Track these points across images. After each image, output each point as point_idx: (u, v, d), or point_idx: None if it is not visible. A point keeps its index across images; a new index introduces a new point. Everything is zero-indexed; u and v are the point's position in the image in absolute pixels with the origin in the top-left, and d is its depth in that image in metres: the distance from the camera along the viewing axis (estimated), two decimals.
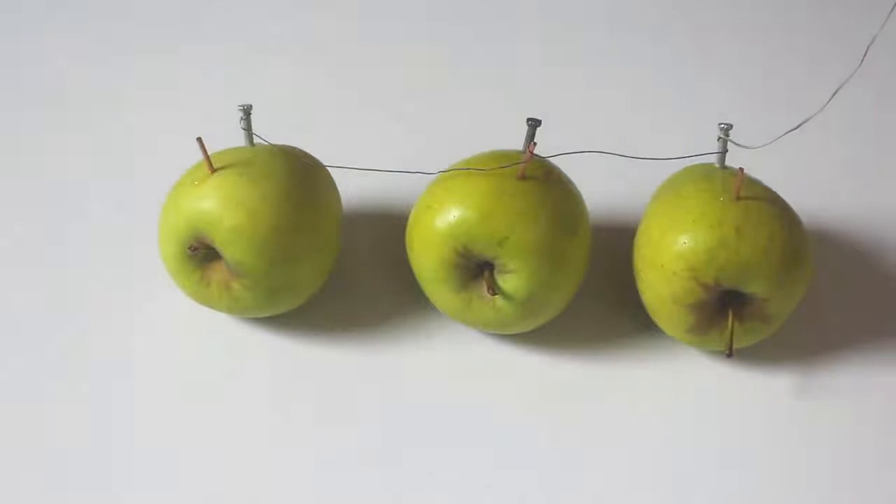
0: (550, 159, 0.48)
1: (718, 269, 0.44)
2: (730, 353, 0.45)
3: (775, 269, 0.44)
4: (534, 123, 0.46)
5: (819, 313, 0.50)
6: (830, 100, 0.40)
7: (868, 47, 0.39)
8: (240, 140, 0.48)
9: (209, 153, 0.46)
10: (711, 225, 0.44)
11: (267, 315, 0.49)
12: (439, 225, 0.45)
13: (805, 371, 0.49)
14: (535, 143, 0.46)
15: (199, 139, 0.46)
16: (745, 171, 0.45)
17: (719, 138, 0.46)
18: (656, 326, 0.48)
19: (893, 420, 0.47)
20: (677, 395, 0.48)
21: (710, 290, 0.44)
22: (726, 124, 0.46)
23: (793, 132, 0.41)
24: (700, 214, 0.44)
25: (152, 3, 0.66)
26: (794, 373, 0.49)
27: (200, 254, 0.46)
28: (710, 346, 0.47)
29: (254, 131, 0.48)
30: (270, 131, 0.48)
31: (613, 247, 0.50)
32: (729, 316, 0.45)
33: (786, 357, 0.49)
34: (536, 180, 0.46)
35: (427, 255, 0.46)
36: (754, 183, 0.46)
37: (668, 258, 0.45)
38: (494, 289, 0.45)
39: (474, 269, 0.46)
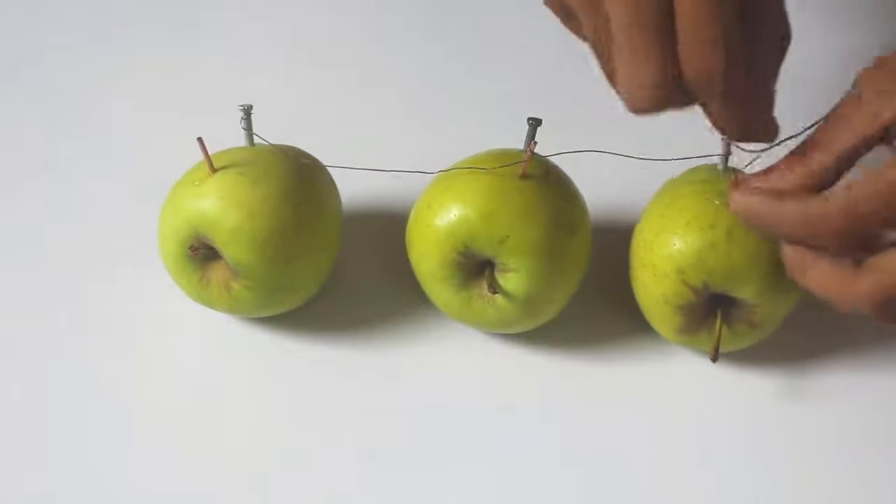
0: (550, 159, 0.48)
1: (707, 272, 0.44)
2: (714, 358, 0.45)
3: (764, 276, 0.44)
4: (534, 123, 0.46)
5: (812, 316, 0.50)
6: (831, 103, 0.40)
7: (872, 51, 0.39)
8: (240, 140, 0.48)
9: (209, 153, 0.46)
10: (703, 227, 0.44)
11: (267, 315, 0.49)
12: (440, 224, 0.45)
13: (797, 373, 0.49)
14: (535, 143, 0.46)
15: (200, 139, 0.46)
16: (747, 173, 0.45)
17: (722, 139, 0.46)
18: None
19: (884, 422, 0.47)
20: (675, 395, 0.48)
21: (699, 292, 0.44)
22: None
23: (795, 136, 0.41)
24: (693, 217, 0.44)
25: (152, 3, 0.66)
26: (787, 374, 0.49)
27: (201, 254, 0.46)
28: (699, 347, 0.47)
29: (254, 131, 0.48)
30: (270, 131, 0.48)
31: (613, 247, 0.50)
32: (717, 319, 0.45)
33: (778, 359, 0.49)
34: (537, 180, 0.46)
35: (427, 254, 0.46)
36: None
37: (659, 259, 0.45)
38: (495, 287, 0.45)
39: (475, 268, 0.46)
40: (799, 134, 0.41)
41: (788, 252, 0.41)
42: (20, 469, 0.45)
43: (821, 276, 0.40)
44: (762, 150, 0.42)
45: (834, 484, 0.45)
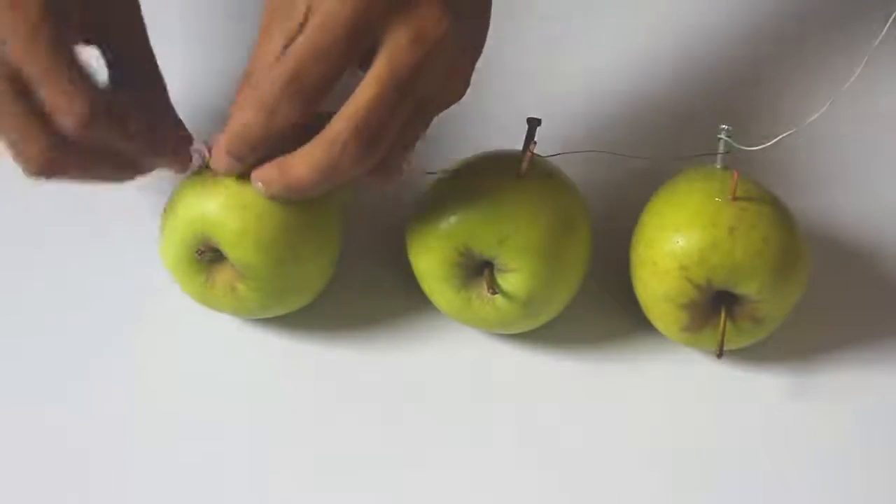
0: (550, 159, 0.48)
1: (710, 269, 0.44)
2: (720, 354, 0.45)
3: (768, 271, 0.44)
4: (534, 123, 0.46)
5: (816, 314, 0.50)
6: (831, 101, 0.40)
7: (871, 50, 0.39)
8: None
9: None
10: (705, 225, 0.44)
11: (271, 315, 0.49)
12: (440, 225, 0.45)
13: (801, 371, 0.49)
14: (535, 143, 0.46)
15: (203, 141, 0.46)
16: (746, 172, 0.45)
17: (720, 139, 0.46)
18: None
19: (888, 421, 0.47)
20: (677, 394, 0.48)
21: (703, 289, 0.45)
22: (728, 126, 0.46)
23: (793, 133, 0.41)
24: (694, 214, 0.45)
25: (153, 2, 0.66)
26: (791, 373, 0.49)
27: (207, 257, 0.46)
28: (703, 346, 0.47)
29: None
30: None
31: (613, 247, 0.50)
32: (721, 315, 0.46)
33: (783, 357, 0.49)
34: (536, 180, 0.46)
35: (427, 254, 0.46)
36: (752, 184, 0.47)
37: (661, 257, 0.45)
38: (494, 288, 0.45)
39: (475, 268, 0.46)
40: (789, 133, 0.41)
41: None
42: (20, 469, 0.45)
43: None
44: (760, 148, 0.42)
45: (840, 482, 0.45)
